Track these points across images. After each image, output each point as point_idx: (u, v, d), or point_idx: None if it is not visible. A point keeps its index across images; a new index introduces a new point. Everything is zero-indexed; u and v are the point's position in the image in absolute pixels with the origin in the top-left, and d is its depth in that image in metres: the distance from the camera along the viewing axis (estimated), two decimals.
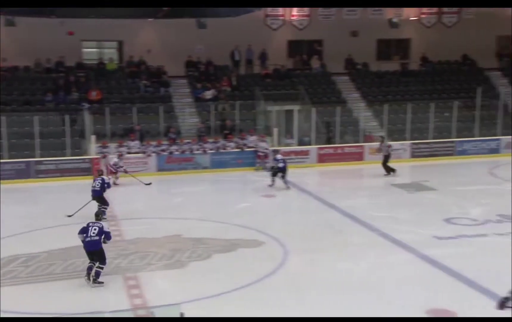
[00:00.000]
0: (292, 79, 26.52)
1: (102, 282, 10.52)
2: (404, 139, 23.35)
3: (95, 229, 10.53)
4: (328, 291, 10.25)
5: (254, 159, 21.79)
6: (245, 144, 22.11)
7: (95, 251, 10.53)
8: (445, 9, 28.48)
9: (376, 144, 22.54)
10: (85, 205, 14.93)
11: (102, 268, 10.55)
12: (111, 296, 10.15)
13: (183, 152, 21.53)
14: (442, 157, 23.21)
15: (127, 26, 25.23)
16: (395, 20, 27.60)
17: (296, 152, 22.27)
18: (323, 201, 17.01)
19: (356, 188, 19.54)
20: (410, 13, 28.26)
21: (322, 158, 22.56)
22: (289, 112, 24.55)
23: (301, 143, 23.38)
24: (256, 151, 21.80)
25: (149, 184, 18.65)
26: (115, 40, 27.11)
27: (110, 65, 25.91)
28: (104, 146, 21.03)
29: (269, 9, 26.86)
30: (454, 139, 23.95)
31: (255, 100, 24.93)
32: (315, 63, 27.84)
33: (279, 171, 18.54)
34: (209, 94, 24.81)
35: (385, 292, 10.20)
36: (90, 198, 14.80)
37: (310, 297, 10.03)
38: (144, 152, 21.20)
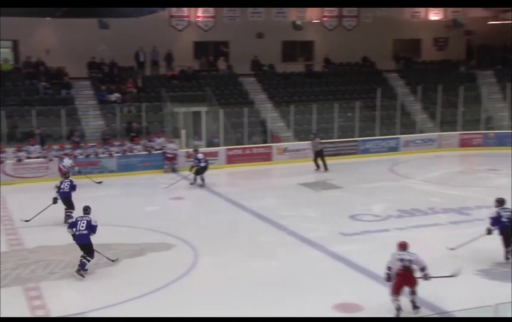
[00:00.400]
0: (199, 80, 26.37)
1: (83, 276, 10.77)
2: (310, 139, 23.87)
3: (83, 223, 11.05)
4: (240, 291, 10.26)
5: (162, 162, 21.45)
6: (152, 147, 21.70)
7: (84, 244, 10.98)
8: (345, 13, 29.49)
9: (283, 144, 23.14)
10: (45, 208, 14.22)
11: (88, 261, 10.95)
12: (11, 309, 9.52)
13: (87, 156, 20.77)
14: (346, 156, 23.96)
15: (23, 25, 23.80)
16: (298, 22, 28.18)
17: (205, 154, 22.07)
18: (232, 202, 17.04)
19: (264, 188, 19.74)
20: (313, 16, 28.97)
21: (231, 160, 22.60)
22: (197, 114, 24.39)
23: (210, 144, 23.30)
24: (164, 153, 21.46)
25: (100, 182, 18.50)
26: (9, 39, 25.58)
27: (5, 66, 24.51)
28: (1, 151, 19.86)
29: (173, 9, 26.53)
30: (357, 138, 24.81)
31: (162, 102, 24.52)
32: (221, 64, 27.85)
33: (202, 170, 18.67)
34: (114, 96, 24.12)
35: (295, 289, 10.35)
36: (51, 201, 14.18)
37: (221, 298, 9.98)
38: (45, 157, 20.22)
